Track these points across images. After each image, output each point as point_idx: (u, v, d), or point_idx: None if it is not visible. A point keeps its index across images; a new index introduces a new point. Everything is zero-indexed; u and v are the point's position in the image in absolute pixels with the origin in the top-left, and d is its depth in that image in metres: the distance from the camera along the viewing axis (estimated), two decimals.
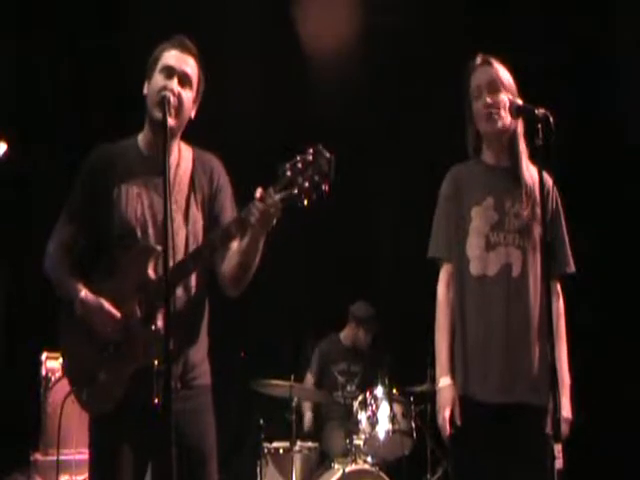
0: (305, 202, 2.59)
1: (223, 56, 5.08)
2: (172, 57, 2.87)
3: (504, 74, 3.22)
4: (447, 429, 3.10)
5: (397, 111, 6.02)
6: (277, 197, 2.59)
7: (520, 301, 3.11)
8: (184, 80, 2.85)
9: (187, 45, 2.91)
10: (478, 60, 3.26)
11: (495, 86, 3.19)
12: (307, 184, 2.57)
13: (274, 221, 2.66)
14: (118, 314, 2.74)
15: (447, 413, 3.10)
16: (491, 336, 3.10)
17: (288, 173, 2.59)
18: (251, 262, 2.78)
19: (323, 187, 2.58)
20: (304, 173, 2.58)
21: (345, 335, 6.11)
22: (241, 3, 5.70)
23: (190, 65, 2.88)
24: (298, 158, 2.61)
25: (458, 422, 3.09)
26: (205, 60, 2.95)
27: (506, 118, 3.17)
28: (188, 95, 2.86)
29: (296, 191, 2.58)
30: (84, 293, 2.78)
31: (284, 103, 5.85)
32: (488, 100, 3.18)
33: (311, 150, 2.61)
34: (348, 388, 5.89)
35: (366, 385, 5.59)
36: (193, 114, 2.93)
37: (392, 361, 5.70)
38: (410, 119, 5.94)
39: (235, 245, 2.81)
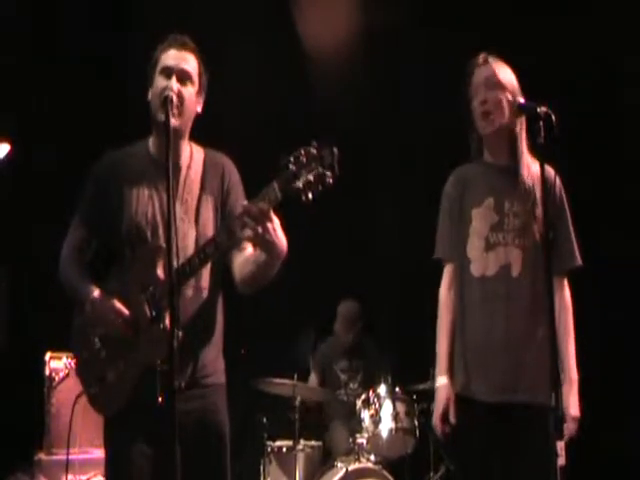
0: (310, 196, 2.49)
1: (222, 55, 5.07)
2: (170, 57, 2.86)
3: (504, 72, 3.18)
4: (439, 427, 3.13)
5: (397, 110, 6.01)
6: (280, 193, 2.51)
7: (520, 300, 3.11)
8: (183, 77, 2.83)
9: (183, 42, 2.90)
10: (479, 59, 3.23)
11: (491, 83, 3.15)
12: (311, 177, 2.48)
13: (277, 231, 2.58)
14: (127, 311, 2.74)
15: (440, 412, 3.12)
16: (492, 336, 3.10)
17: (292, 167, 2.50)
18: (263, 275, 2.75)
19: (328, 180, 2.48)
20: (308, 166, 2.49)
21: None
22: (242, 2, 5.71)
23: (188, 61, 2.87)
24: (302, 151, 2.52)
25: (452, 421, 3.11)
26: (205, 56, 2.93)
27: (502, 116, 3.14)
28: (190, 91, 2.85)
29: (300, 185, 2.48)
30: (96, 293, 2.79)
31: (284, 102, 5.85)
32: (483, 97, 3.15)
33: (315, 143, 2.53)
34: (351, 385, 5.88)
35: (369, 382, 5.59)
36: (199, 109, 2.92)
37: (394, 361, 5.70)
38: (410, 118, 5.94)
39: (251, 253, 2.78)
